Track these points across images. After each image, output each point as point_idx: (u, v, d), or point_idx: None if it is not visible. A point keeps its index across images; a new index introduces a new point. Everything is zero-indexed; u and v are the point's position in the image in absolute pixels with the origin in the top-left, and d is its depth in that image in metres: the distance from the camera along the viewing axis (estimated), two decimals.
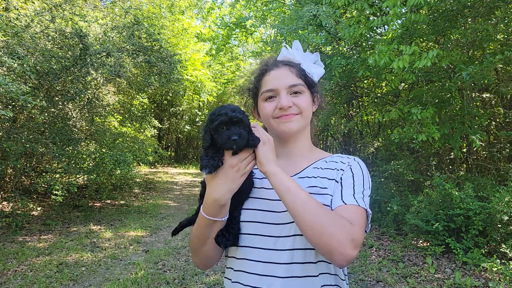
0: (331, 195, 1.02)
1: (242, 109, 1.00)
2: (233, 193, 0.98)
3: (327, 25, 5.21)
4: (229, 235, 1.01)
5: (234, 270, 1.06)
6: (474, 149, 5.61)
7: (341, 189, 1.01)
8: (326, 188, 1.03)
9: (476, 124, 5.36)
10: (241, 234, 1.04)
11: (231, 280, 1.07)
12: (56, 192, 6.03)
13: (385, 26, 5.51)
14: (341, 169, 1.06)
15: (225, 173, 0.95)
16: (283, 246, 0.99)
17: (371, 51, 5.46)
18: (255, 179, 1.10)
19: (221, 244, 1.01)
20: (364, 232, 0.96)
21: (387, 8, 4.21)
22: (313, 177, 1.06)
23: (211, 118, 0.98)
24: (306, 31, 5.49)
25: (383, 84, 7.40)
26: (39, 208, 6.90)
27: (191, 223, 1.13)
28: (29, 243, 5.21)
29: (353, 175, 1.04)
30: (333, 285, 1.01)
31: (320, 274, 0.99)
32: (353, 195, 0.98)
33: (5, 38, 5.04)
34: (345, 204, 0.96)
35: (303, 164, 1.13)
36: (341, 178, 1.04)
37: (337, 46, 6.79)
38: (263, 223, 1.02)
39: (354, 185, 1.01)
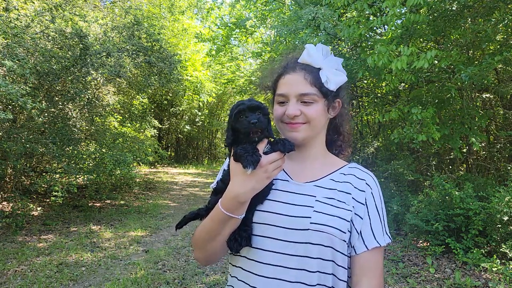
0: (348, 210, 1.02)
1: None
2: (255, 193, 0.98)
3: (326, 28, 5.18)
4: (241, 240, 1.00)
5: (243, 270, 1.05)
6: (474, 149, 5.61)
7: (370, 224, 1.04)
8: (344, 202, 1.03)
9: (476, 125, 5.36)
10: (253, 235, 1.03)
11: (237, 277, 1.07)
12: (56, 193, 6.03)
13: (385, 26, 5.51)
14: (361, 190, 1.06)
15: (253, 171, 0.95)
16: (294, 252, 0.98)
17: (371, 51, 5.45)
18: None
19: (233, 249, 1.00)
20: (383, 273, 1.06)
21: (387, 8, 4.21)
22: (330, 189, 1.06)
23: (231, 113, 1.01)
24: (305, 33, 5.49)
25: (383, 84, 7.40)
26: (39, 208, 6.90)
27: (196, 217, 1.13)
28: (29, 243, 5.21)
29: (376, 206, 1.06)
30: None
31: (321, 285, 0.99)
32: (382, 232, 1.05)
33: (6, 41, 5.04)
34: (368, 249, 1.01)
35: (317, 171, 1.12)
36: (365, 202, 1.05)
37: (337, 47, 6.79)
38: (275, 226, 1.01)
39: (380, 218, 1.06)
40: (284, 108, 1.09)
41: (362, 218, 1.03)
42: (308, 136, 1.09)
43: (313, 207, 1.01)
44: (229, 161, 1.08)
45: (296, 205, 1.02)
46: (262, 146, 0.99)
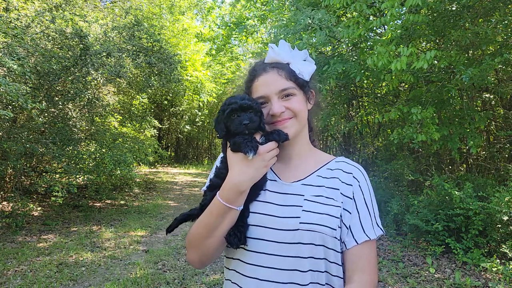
0: (337, 206, 1.02)
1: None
2: (254, 182, 0.99)
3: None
4: (241, 235, 1.00)
5: (236, 272, 1.05)
6: (473, 153, 5.61)
7: (359, 218, 1.03)
8: (333, 199, 1.03)
9: (475, 126, 5.35)
10: (247, 237, 1.03)
11: (231, 280, 1.07)
12: (56, 193, 6.04)
13: (385, 26, 5.50)
14: (349, 184, 1.06)
15: (251, 160, 0.96)
16: (286, 252, 0.98)
17: (370, 51, 5.45)
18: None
19: (233, 244, 0.99)
20: (377, 268, 1.05)
21: (386, 9, 4.21)
22: (318, 186, 1.06)
23: (223, 109, 1.03)
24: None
25: (383, 85, 7.41)
26: (39, 208, 6.90)
27: (188, 218, 1.12)
28: (29, 243, 5.21)
29: (364, 199, 1.06)
30: None
31: (316, 283, 0.99)
32: (372, 225, 1.04)
33: (5, 40, 5.05)
34: (358, 243, 1.01)
35: (305, 168, 1.11)
36: (353, 196, 1.04)
37: (336, 47, 6.79)
38: (266, 228, 1.01)
39: (368, 210, 1.05)
40: (266, 109, 1.08)
41: (350, 213, 1.03)
42: (297, 130, 1.09)
43: (302, 206, 1.01)
44: (222, 157, 1.09)
45: (285, 205, 1.02)
46: (257, 138, 1.01)
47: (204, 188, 1.16)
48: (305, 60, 1.14)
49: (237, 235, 0.99)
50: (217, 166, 1.12)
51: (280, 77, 1.07)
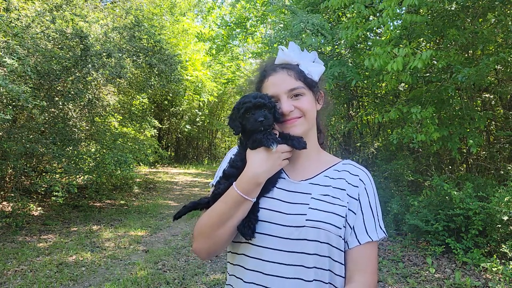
0: (342, 206, 1.04)
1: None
2: (270, 176, 1.02)
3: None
4: (254, 226, 1.02)
5: (241, 267, 1.06)
6: (472, 152, 5.61)
7: (363, 219, 1.05)
8: (339, 198, 1.05)
9: (475, 126, 5.35)
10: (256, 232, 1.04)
11: (235, 275, 1.08)
12: (57, 193, 6.04)
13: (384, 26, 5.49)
14: (355, 186, 1.08)
15: (269, 154, 1.00)
16: (292, 248, 1.00)
17: (369, 52, 5.45)
18: None
19: (246, 235, 1.01)
20: (377, 270, 1.08)
21: (385, 9, 4.21)
22: (325, 185, 1.08)
23: (237, 107, 1.06)
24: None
25: (383, 85, 7.41)
26: (39, 208, 6.90)
27: (196, 207, 1.13)
28: (29, 243, 5.22)
29: (369, 201, 1.08)
30: None
31: (318, 281, 1.00)
32: (375, 227, 1.06)
33: (6, 39, 5.05)
34: (360, 244, 1.03)
35: (312, 168, 1.14)
36: (359, 198, 1.07)
37: (336, 47, 6.79)
38: (273, 224, 1.03)
39: (372, 213, 1.07)
40: None
41: (355, 213, 1.05)
42: (306, 129, 1.11)
43: (308, 204, 1.03)
44: (237, 150, 1.12)
45: (292, 203, 1.05)
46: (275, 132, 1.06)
47: (213, 182, 1.17)
48: (314, 62, 1.17)
49: (250, 227, 1.01)
50: (231, 157, 1.15)
51: (290, 77, 1.10)
